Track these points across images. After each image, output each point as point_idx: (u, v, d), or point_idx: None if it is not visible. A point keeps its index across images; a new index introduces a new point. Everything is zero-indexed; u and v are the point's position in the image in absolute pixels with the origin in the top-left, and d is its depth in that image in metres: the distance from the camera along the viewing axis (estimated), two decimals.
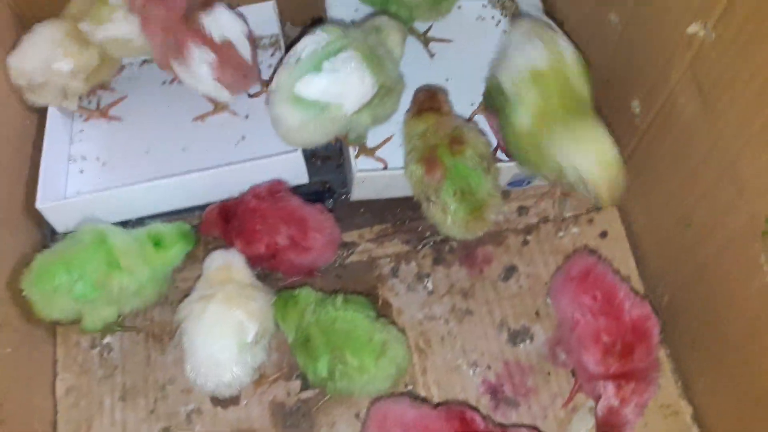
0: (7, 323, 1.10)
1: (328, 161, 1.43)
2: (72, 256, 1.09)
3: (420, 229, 1.35)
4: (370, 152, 1.32)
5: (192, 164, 1.30)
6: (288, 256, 1.18)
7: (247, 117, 1.43)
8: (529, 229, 1.34)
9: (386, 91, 1.17)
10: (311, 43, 1.11)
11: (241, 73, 1.28)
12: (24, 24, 1.34)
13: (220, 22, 1.22)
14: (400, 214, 1.37)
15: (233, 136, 1.40)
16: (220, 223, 1.22)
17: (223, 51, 1.22)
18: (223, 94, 1.29)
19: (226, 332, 1.07)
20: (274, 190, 1.21)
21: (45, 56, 1.24)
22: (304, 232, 1.17)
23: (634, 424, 1.03)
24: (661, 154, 1.18)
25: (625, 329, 1.04)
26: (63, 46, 1.25)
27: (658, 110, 1.16)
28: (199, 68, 1.21)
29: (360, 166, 1.25)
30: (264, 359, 1.12)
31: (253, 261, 1.18)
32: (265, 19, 1.50)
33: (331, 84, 1.09)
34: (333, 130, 1.16)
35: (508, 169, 1.29)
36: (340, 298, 1.12)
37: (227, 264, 1.15)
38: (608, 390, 1.02)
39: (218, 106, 1.39)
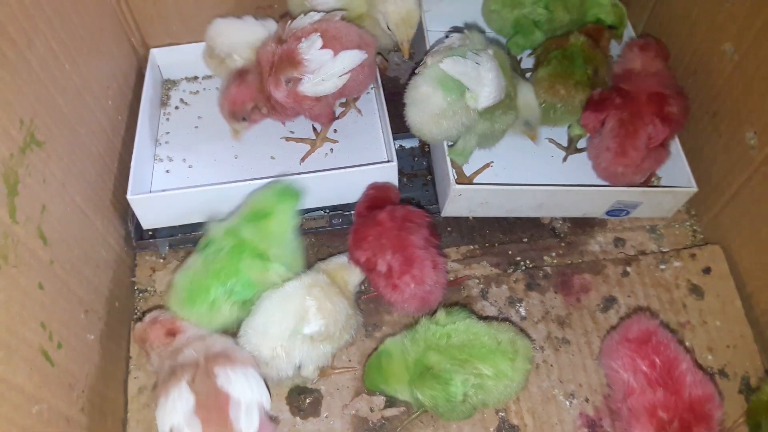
0: (94, 310, 1.05)
1: (415, 179, 1.40)
2: (220, 265, 1.07)
3: (510, 252, 1.30)
4: (468, 179, 1.29)
5: (280, 172, 1.27)
6: (378, 281, 1.13)
7: (336, 131, 1.40)
8: (628, 261, 1.27)
9: (508, 105, 1.19)
10: (459, 39, 1.19)
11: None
12: None
13: None
14: (489, 236, 1.32)
15: (322, 148, 1.38)
16: (363, 212, 1.19)
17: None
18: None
19: (289, 311, 1.03)
20: (410, 218, 1.14)
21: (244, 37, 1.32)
22: (402, 271, 1.09)
23: None
24: None
25: (684, 407, 0.95)
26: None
27: None
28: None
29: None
30: (312, 367, 1.06)
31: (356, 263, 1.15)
32: None
33: (473, 69, 1.12)
34: (463, 122, 1.15)
35: (608, 195, 1.25)
36: (441, 313, 1.06)
37: (348, 267, 1.15)
38: None
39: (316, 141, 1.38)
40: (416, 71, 1.19)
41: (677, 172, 1.30)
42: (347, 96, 1.34)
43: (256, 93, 1.22)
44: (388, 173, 1.25)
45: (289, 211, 1.14)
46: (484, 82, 1.13)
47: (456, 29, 1.43)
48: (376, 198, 1.21)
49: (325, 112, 1.28)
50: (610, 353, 1.07)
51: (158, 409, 0.94)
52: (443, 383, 0.99)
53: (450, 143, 1.26)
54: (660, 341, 1.02)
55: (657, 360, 0.99)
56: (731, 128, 1.22)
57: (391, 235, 1.11)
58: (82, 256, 1.05)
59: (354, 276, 1.16)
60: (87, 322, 1.02)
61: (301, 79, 1.16)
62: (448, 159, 1.22)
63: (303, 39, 1.16)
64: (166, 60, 1.48)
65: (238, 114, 1.25)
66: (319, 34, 1.16)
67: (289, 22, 1.20)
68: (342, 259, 1.18)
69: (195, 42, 1.45)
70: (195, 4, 1.41)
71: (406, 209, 1.15)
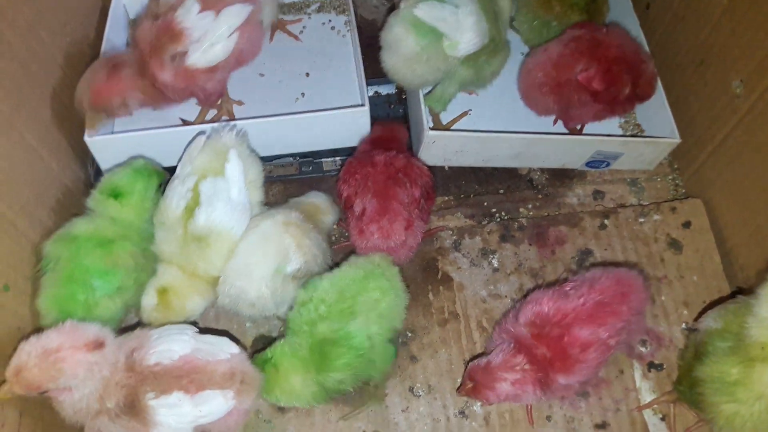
0: None
1: None
2: (66, 272, 0.96)
3: (486, 204, 1.26)
4: (445, 127, 1.25)
5: (256, 113, 1.22)
6: (350, 221, 1.09)
7: (307, 75, 1.35)
8: (606, 213, 1.23)
9: (494, 49, 1.15)
10: None
11: None
12: None
13: None
14: (464, 187, 1.28)
15: (293, 93, 1.32)
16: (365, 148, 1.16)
17: None
18: None
19: (269, 251, 1.00)
20: (407, 170, 1.08)
21: None
22: (372, 219, 1.06)
23: None
24: (763, 140, 1.08)
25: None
26: None
27: (763, 91, 1.06)
28: None
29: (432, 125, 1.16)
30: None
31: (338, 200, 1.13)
32: None
33: (451, 15, 1.06)
34: (440, 68, 1.12)
35: (588, 144, 1.20)
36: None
37: (320, 204, 1.13)
38: None
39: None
40: (393, 13, 1.13)
41: (660, 123, 1.25)
42: (245, 61, 1.20)
43: (129, 86, 1.09)
44: (360, 118, 1.19)
45: (145, 192, 1.06)
46: (463, 28, 1.07)
47: None
48: (382, 138, 1.17)
49: (219, 89, 1.18)
50: None
51: None
52: (345, 341, 0.94)
53: (427, 89, 1.21)
54: None
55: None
56: (717, 77, 1.17)
57: (379, 180, 1.07)
58: (34, 198, 1.00)
59: (329, 215, 1.14)
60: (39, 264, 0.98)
61: (186, 52, 1.06)
62: (423, 104, 1.17)
63: (178, 7, 1.05)
64: None
65: (101, 108, 1.11)
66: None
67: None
68: (317, 197, 1.15)
69: None
70: None
71: (409, 161, 1.10)
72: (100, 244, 0.99)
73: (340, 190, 1.10)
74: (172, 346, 0.88)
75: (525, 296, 1.04)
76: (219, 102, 1.24)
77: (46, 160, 1.06)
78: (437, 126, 1.24)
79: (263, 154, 1.21)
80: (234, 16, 1.09)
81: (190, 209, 1.00)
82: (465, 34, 1.07)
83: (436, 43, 1.08)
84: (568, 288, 0.97)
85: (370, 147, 1.15)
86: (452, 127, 1.25)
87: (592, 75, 1.13)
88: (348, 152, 1.23)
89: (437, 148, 1.18)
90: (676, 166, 1.32)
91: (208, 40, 1.07)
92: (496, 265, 1.17)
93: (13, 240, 0.93)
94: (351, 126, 1.21)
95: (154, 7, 1.09)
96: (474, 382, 0.96)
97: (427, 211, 1.14)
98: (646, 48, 1.28)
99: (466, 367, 1.02)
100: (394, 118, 1.35)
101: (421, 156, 1.21)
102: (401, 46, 1.10)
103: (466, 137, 1.17)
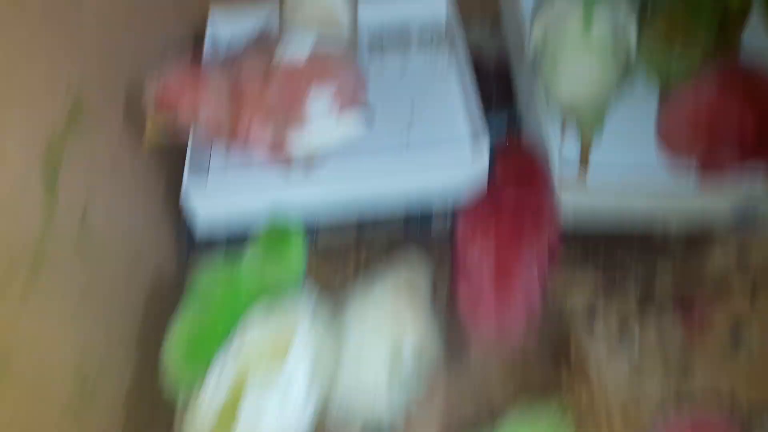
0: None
1: None
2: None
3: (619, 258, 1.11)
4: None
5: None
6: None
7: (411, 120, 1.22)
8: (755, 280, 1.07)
9: None
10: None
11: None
12: None
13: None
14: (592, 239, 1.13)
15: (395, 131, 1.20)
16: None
17: None
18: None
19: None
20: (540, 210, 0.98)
21: None
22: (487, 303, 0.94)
23: None
24: None
25: None
26: None
27: None
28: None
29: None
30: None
31: None
32: (438, 10, 1.33)
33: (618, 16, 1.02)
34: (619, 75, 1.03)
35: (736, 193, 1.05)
36: None
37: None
38: None
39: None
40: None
41: None
42: None
43: (210, 102, 0.95)
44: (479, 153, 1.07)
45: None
46: (632, 22, 1.04)
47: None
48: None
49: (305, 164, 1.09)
50: None
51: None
52: None
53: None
54: None
55: None
56: None
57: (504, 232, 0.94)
58: (126, 269, 0.90)
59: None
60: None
61: (292, 128, 0.97)
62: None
63: (312, 91, 0.96)
64: (227, 23, 1.30)
65: (163, 113, 0.94)
66: (334, 89, 0.96)
67: (280, 42, 0.99)
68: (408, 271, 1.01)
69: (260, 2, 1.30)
70: None
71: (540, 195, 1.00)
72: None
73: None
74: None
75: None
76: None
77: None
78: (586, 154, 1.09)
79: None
80: (352, 127, 1.00)
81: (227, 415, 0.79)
82: (631, 26, 1.04)
83: (615, 42, 1.01)
84: None
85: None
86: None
87: (747, 117, 0.99)
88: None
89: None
90: None
91: (315, 136, 0.98)
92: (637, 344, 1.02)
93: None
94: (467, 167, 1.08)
95: (270, 54, 0.97)
96: None
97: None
98: None
99: None
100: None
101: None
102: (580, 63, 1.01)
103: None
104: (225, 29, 1.29)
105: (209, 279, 0.91)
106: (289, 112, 0.95)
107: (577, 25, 0.97)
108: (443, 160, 1.07)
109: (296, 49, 0.98)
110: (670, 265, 1.10)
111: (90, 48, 0.86)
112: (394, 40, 1.34)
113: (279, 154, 1.00)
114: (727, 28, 1.10)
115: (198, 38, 1.26)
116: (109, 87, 0.89)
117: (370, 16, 1.28)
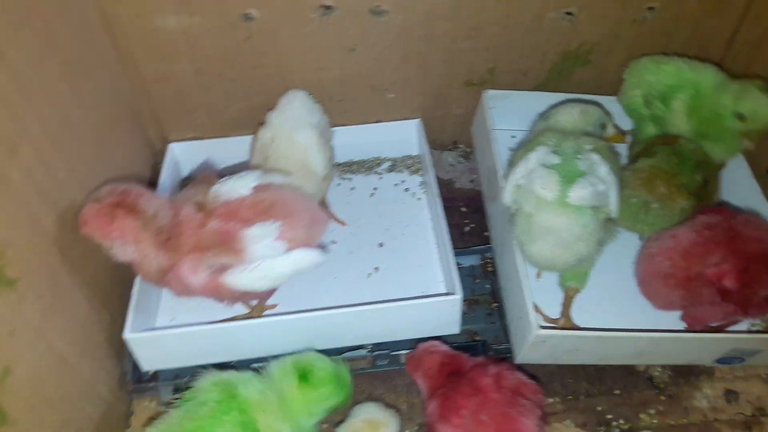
0: None
1: (476, 306, 1.15)
2: (198, 424, 0.81)
3: (599, 408, 1.04)
4: (559, 324, 1.05)
5: (320, 305, 1.02)
6: None
7: (381, 246, 1.18)
8: (748, 424, 1.00)
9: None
10: (544, 150, 0.96)
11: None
12: None
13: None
14: (572, 386, 1.07)
15: (365, 266, 1.15)
16: (439, 375, 0.94)
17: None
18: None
19: None
20: (521, 391, 0.88)
21: None
22: None
23: None
24: None
25: None
26: None
27: None
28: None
29: (540, 321, 0.96)
30: None
31: None
32: (409, 137, 1.31)
33: (599, 182, 0.93)
34: (597, 240, 0.96)
35: (724, 343, 1.00)
36: None
37: (379, 421, 0.92)
38: None
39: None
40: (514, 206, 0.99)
41: None
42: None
43: (133, 237, 0.86)
44: (449, 308, 1.00)
45: (330, 398, 0.90)
46: (611, 187, 0.94)
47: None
48: (449, 357, 0.97)
49: (250, 297, 1.03)
50: None
51: None
52: None
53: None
54: None
55: None
56: None
57: (496, 413, 0.85)
58: (61, 419, 0.81)
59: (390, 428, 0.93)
60: None
61: (230, 267, 0.89)
62: (526, 291, 0.98)
63: (254, 224, 0.89)
64: (186, 155, 1.27)
65: (96, 239, 0.86)
66: (277, 224, 0.90)
67: (216, 183, 0.93)
68: (368, 413, 0.95)
69: (221, 137, 1.27)
70: (225, 96, 1.22)
71: (517, 379, 0.89)
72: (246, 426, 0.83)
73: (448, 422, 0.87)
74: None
75: None
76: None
77: (77, 366, 0.87)
78: (548, 321, 1.05)
79: (331, 346, 1.03)
80: (305, 260, 0.93)
81: None
82: (613, 192, 0.94)
83: (594, 215, 0.93)
84: None
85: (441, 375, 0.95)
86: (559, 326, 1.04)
87: (725, 271, 0.94)
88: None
89: (545, 348, 0.98)
90: None
91: (262, 272, 0.90)
92: None
93: None
94: (439, 316, 1.02)
95: (203, 195, 0.92)
96: None
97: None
98: None
99: None
100: (479, 295, 1.15)
101: (524, 355, 1.00)
102: (563, 235, 0.93)
103: (582, 337, 0.96)
104: (184, 162, 1.27)
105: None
106: (224, 249, 0.88)
107: (554, 188, 0.91)
108: (415, 316, 1.01)
109: (239, 186, 0.93)
110: (653, 406, 1.04)
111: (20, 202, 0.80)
112: (366, 165, 1.32)
113: (217, 292, 0.92)
114: (709, 178, 1.09)
115: (156, 170, 1.22)
116: (41, 246, 0.82)
117: (343, 142, 1.27)
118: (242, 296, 0.97)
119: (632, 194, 1.06)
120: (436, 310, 1.00)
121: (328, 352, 0.96)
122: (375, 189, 1.28)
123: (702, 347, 1.01)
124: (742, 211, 1.03)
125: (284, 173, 1.03)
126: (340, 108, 1.26)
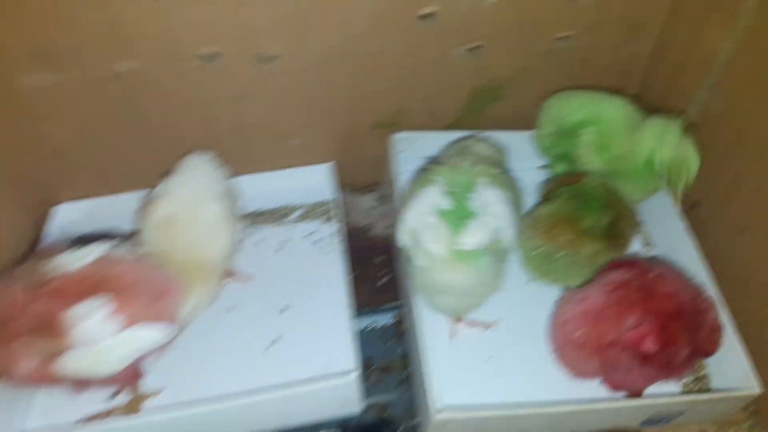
0: None
1: (388, 374, 1.06)
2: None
3: None
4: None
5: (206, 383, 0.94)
6: None
7: (283, 312, 1.09)
8: None
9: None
10: (434, 192, 0.91)
11: None
12: None
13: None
14: None
15: (264, 336, 1.05)
16: None
17: None
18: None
19: None
20: None
21: None
22: None
23: None
24: None
25: None
26: None
27: None
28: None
29: (444, 400, 0.88)
30: None
31: None
32: (320, 182, 1.21)
33: (493, 220, 0.88)
34: (499, 267, 0.94)
35: (643, 409, 0.92)
36: None
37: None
38: None
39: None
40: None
41: (733, 370, 0.97)
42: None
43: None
44: (345, 389, 0.92)
45: None
46: (508, 224, 0.91)
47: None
48: None
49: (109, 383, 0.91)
50: None
51: None
52: None
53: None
54: None
55: None
56: None
57: None
58: None
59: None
60: None
61: (61, 352, 0.79)
62: (427, 367, 0.89)
63: (80, 302, 0.79)
64: (75, 216, 1.17)
65: None
66: (104, 299, 0.80)
67: (50, 258, 0.84)
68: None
69: (110, 195, 1.18)
70: (108, 154, 1.12)
71: None
72: None
73: None
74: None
75: None
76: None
77: None
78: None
79: None
80: (145, 339, 0.83)
81: None
82: (508, 224, 0.90)
83: (491, 254, 0.89)
84: None
85: None
86: (467, 398, 0.95)
87: (643, 334, 0.86)
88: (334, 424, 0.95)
89: (453, 429, 0.90)
90: (753, 409, 1.03)
91: (98, 353, 0.80)
92: None
93: None
94: (336, 397, 0.93)
95: (31, 271, 0.82)
96: None
97: None
98: (702, 267, 1.03)
99: None
100: (391, 360, 1.07)
101: None
102: (463, 286, 0.90)
103: (488, 418, 0.88)
104: (74, 223, 1.16)
105: None
106: (48, 333, 0.78)
107: (443, 242, 0.85)
108: (308, 401, 0.93)
109: (77, 258, 0.83)
110: None
111: None
112: (275, 214, 1.23)
113: (56, 381, 0.81)
114: (619, 216, 1.01)
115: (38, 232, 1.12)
116: None
117: (250, 188, 1.18)
118: (98, 383, 0.87)
119: (535, 245, 0.98)
120: (330, 391, 0.91)
121: None
122: (283, 242, 1.19)
123: (619, 415, 0.93)
124: (654, 264, 0.95)
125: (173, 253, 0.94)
126: (239, 158, 1.16)
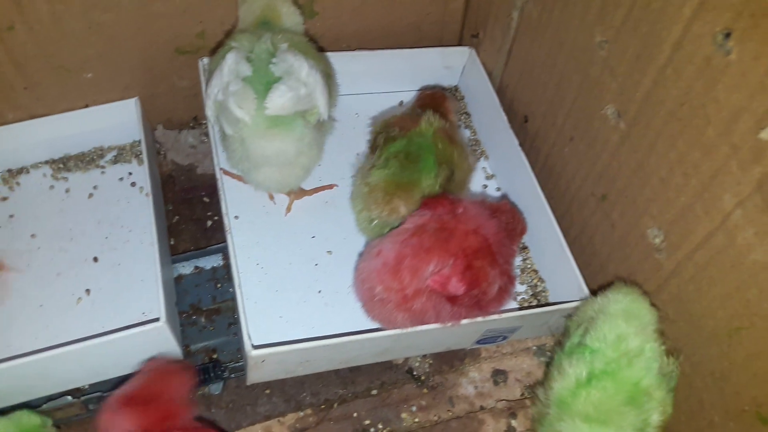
0: None
1: (217, 317, 0.99)
2: None
3: (356, 414, 0.93)
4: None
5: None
6: None
7: (96, 260, 0.99)
8: (513, 411, 0.93)
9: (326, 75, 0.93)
10: (235, 57, 0.86)
11: None
12: None
13: None
14: (324, 393, 0.95)
15: (74, 290, 0.96)
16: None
17: None
18: None
19: None
20: None
21: None
22: None
23: None
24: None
25: None
26: None
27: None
28: None
29: (254, 340, 0.81)
30: None
31: None
32: (124, 121, 1.09)
33: (299, 85, 0.85)
34: (317, 137, 0.93)
35: (474, 327, 0.90)
36: None
37: None
38: None
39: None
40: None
41: (565, 277, 0.97)
42: None
43: None
44: (157, 337, 0.84)
45: None
46: (317, 89, 0.87)
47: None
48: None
49: None
50: None
51: None
52: None
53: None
54: None
55: None
56: (627, 219, 0.90)
57: None
58: None
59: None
60: None
61: None
62: (241, 304, 0.83)
63: None
64: None
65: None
66: None
67: None
68: None
69: None
70: None
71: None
72: None
73: None
74: None
75: None
76: None
77: None
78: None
79: (25, 399, 0.85)
80: None
81: None
82: (319, 92, 0.87)
83: (305, 122, 0.89)
84: None
85: None
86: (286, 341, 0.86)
87: (446, 277, 0.81)
88: None
89: (272, 366, 0.84)
90: None
91: None
92: None
93: None
94: (151, 346, 0.85)
95: None
96: None
97: None
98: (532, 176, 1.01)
99: None
100: (222, 302, 1.00)
101: (251, 375, 0.86)
102: (284, 157, 0.90)
103: (309, 349, 0.82)
104: None
105: None
106: None
107: (251, 106, 0.84)
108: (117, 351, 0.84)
109: None
110: (415, 402, 0.94)
111: None
112: (85, 158, 1.11)
113: None
114: (456, 171, 0.95)
115: None
116: None
117: (49, 133, 1.06)
118: None
119: (371, 215, 0.92)
120: (142, 340, 0.83)
121: (31, 405, 0.80)
122: (95, 188, 1.08)
123: (450, 335, 0.90)
124: (456, 201, 0.87)
125: None
126: (31, 96, 1.03)
